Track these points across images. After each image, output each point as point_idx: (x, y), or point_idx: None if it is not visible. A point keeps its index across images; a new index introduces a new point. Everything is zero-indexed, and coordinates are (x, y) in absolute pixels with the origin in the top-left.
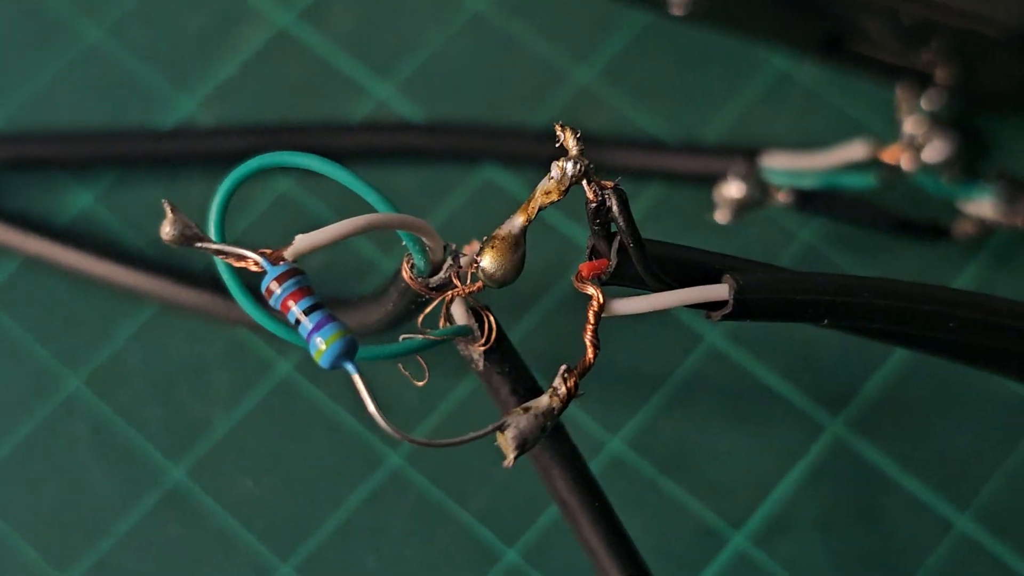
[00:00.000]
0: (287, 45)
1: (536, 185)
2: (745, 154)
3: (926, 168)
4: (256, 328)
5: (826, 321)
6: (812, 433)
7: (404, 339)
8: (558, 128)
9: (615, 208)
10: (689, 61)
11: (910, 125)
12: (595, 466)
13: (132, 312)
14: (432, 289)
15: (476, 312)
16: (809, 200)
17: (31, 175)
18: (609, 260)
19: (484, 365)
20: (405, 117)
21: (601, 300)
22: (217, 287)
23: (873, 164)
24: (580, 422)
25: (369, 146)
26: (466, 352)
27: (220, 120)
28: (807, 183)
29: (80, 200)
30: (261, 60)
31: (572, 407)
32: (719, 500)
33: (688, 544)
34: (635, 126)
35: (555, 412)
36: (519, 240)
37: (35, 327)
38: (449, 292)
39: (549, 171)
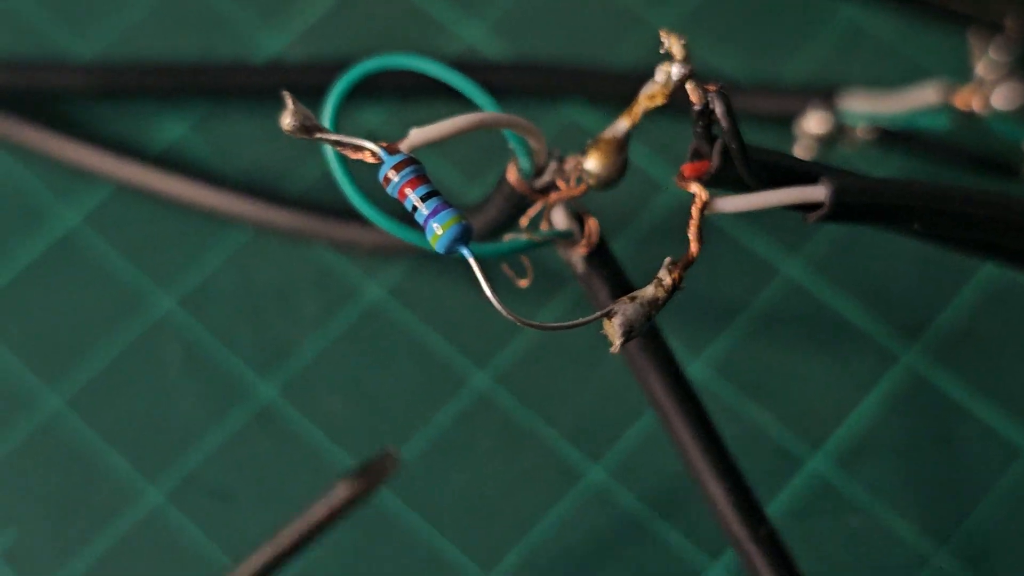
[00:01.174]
0: None
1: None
2: (822, 94)
3: (996, 112)
4: (346, 252)
5: (916, 226)
6: (887, 362)
7: (510, 238)
8: (663, 34)
9: (719, 110)
10: (764, 10)
11: (981, 70)
12: None
13: (224, 237)
14: (536, 191)
15: (578, 216)
16: (888, 136)
17: (126, 105)
18: (711, 161)
19: (584, 268)
20: (492, 58)
21: (705, 196)
22: (309, 209)
23: (946, 107)
24: None
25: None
26: (566, 255)
27: (309, 59)
28: (883, 124)
29: (173, 130)
30: (351, 1)
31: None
32: (797, 423)
33: (767, 465)
34: (713, 70)
35: (660, 302)
36: (623, 143)
37: (129, 250)
38: (553, 195)
39: (654, 76)
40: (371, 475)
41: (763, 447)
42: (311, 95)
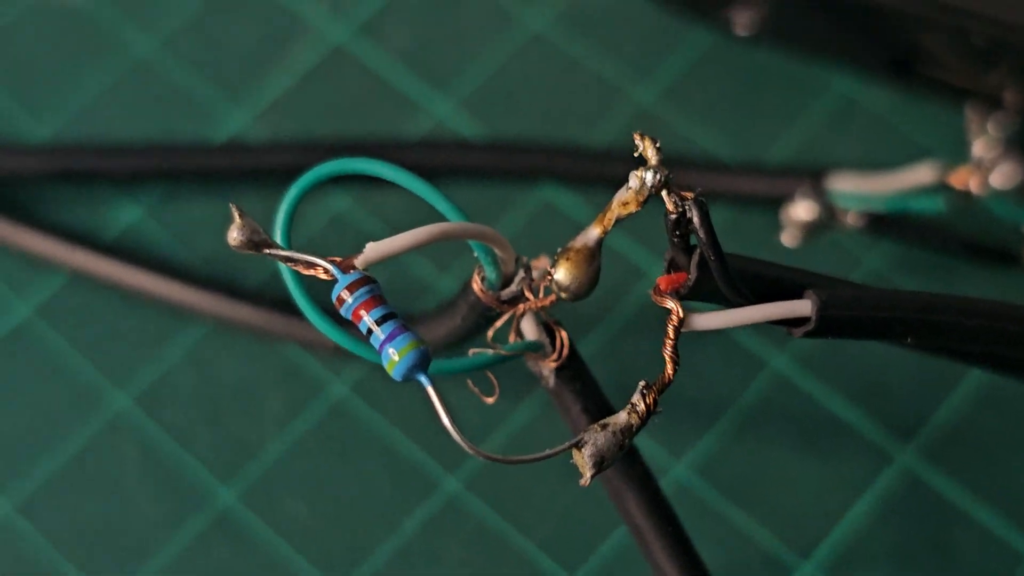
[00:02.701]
0: (343, 61)
1: (612, 197)
2: (812, 176)
3: (995, 192)
4: (310, 348)
5: (910, 340)
6: (881, 462)
7: (474, 353)
8: (637, 137)
9: (696, 219)
10: (751, 83)
11: (979, 148)
12: None
13: (183, 330)
14: (503, 302)
15: (548, 327)
16: (878, 222)
17: (79, 188)
18: (688, 273)
19: (555, 382)
20: (463, 135)
21: (681, 314)
22: (271, 305)
23: (941, 188)
24: (643, 447)
25: (427, 164)
26: (536, 368)
27: (274, 137)
28: (875, 207)
29: (129, 214)
30: (316, 76)
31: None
32: (786, 529)
33: (755, 574)
34: (696, 147)
35: (634, 429)
36: (595, 252)
37: (82, 344)
38: (521, 306)
39: (627, 182)
40: None
41: (750, 555)
42: (273, 177)
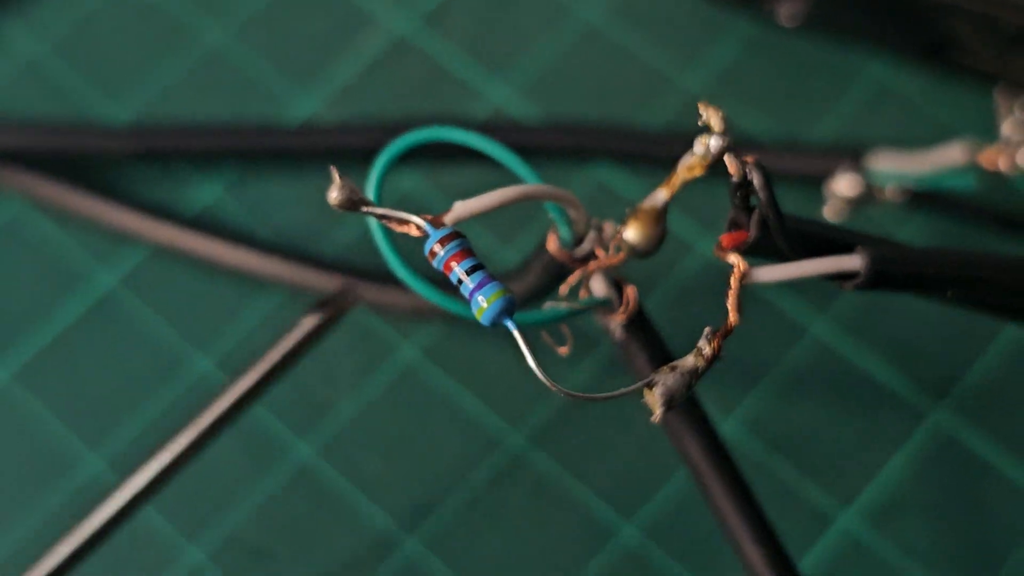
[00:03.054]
0: (407, 50)
1: (678, 162)
2: (851, 155)
3: (1022, 171)
4: (382, 313)
5: (950, 293)
6: (916, 420)
7: (550, 306)
8: (702, 106)
9: (757, 183)
10: (792, 70)
11: (1007, 129)
12: None
13: (259, 298)
14: (576, 260)
15: (616, 284)
16: (916, 196)
17: (161, 168)
18: (749, 232)
19: (623, 335)
20: (518, 119)
21: (744, 267)
22: (347, 271)
23: (972, 166)
24: None
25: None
26: (604, 322)
27: (341, 122)
28: (910, 184)
29: (208, 193)
30: (382, 65)
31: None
32: (827, 482)
33: (796, 523)
34: (741, 132)
35: (700, 371)
36: (662, 213)
37: (165, 311)
38: (592, 263)
39: (692, 147)
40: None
41: (793, 505)
42: (343, 158)
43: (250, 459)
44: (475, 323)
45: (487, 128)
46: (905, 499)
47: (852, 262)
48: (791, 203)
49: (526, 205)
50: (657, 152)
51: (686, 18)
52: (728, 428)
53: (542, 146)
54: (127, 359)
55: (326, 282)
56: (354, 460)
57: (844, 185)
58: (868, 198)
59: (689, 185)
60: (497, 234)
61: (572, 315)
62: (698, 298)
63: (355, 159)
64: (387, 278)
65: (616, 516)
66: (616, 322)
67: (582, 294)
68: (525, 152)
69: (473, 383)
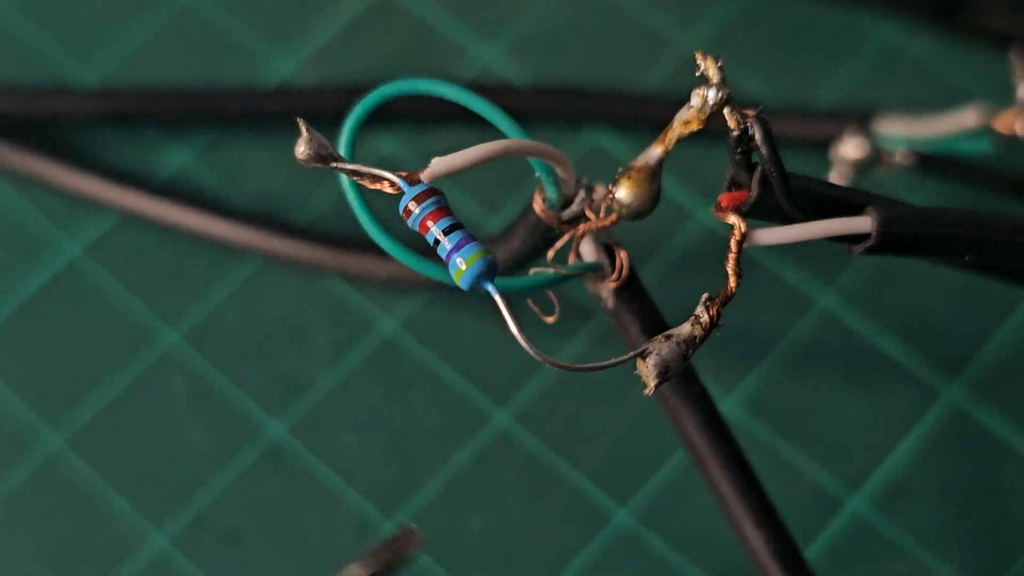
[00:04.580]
0: (390, 7)
1: (674, 116)
2: (858, 118)
3: None
4: (359, 284)
5: (968, 258)
6: (929, 398)
7: (536, 272)
8: (699, 56)
9: (758, 137)
10: (796, 31)
11: (1023, 91)
12: None
13: (232, 268)
14: (564, 223)
15: (608, 248)
16: (927, 161)
17: (129, 132)
18: (750, 191)
19: (614, 303)
20: (510, 81)
21: (743, 228)
22: (321, 239)
23: (987, 131)
24: None
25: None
26: (595, 289)
27: (320, 83)
28: (921, 148)
29: (179, 158)
30: (363, 22)
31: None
32: (835, 463)
33: (804, 507)
34: (741, 95)
35: (697, 340)
36: (656, 171)
37: (133, 282)
38: (581, 226)
39: (689, 100)
40: (389, 555)
41: (800, 488)
42: (322, 121)
43: (219, 438)
44: (457, 292)
45: (473, 89)
46: (918, 481)
47: (862, 223)
48: (796, 168)
49: (513, 171)
50: (654, 115)
51: None
52: (729, 408)
53: (533, 109)
54: (91, 332)
55: (302, 251)
56: (330, 439)
57: (851, 148)
58: (876, 162)
59: (688, 149)
60: (482, 201)
61: (560, 281)
62: (698, 268)
63: (333, 122)
64: (365, 247)
65: (609, 500)
66: (607, 289)
67: (571, 259)
68: (515, 116)
69: (456, 357)
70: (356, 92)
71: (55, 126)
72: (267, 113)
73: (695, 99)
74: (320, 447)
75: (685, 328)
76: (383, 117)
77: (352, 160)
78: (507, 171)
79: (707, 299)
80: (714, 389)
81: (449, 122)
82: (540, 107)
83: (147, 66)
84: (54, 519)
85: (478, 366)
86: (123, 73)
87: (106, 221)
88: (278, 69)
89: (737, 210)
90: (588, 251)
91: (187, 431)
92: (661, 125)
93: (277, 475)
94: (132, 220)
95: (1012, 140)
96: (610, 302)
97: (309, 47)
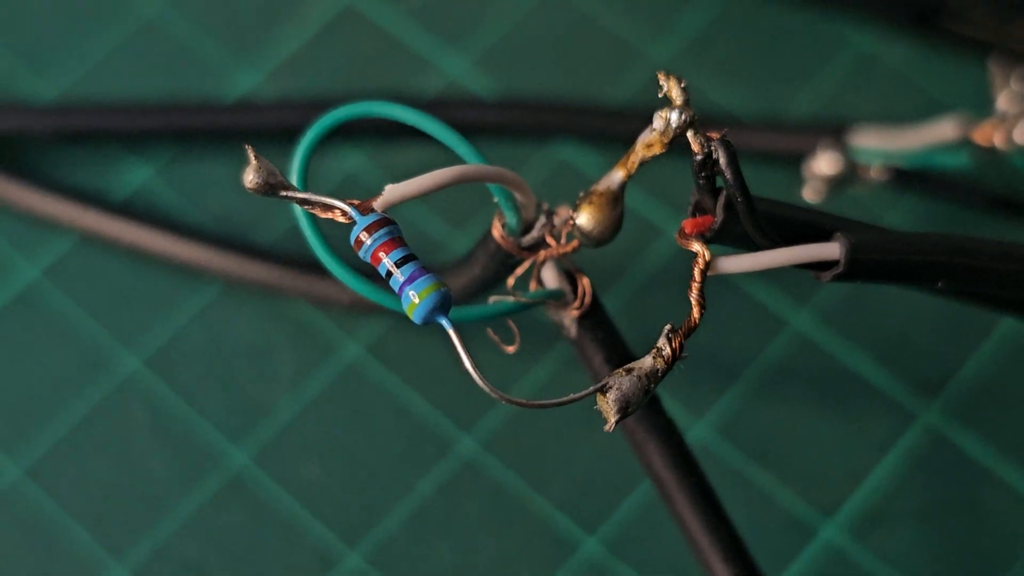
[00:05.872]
0: (354, 18)
1: (637, 139)
2: (833, 131)
3: (1019, 147)
4: (323, 307)
5: (941, 284)
6: (905, 421)
7: (494, 301)
8: (661, 76)
9: (722, 160)
10: (769, 40)
11: (1003, 102)
12: None
13: (193, 291)
14: (524, 249)
15: (569, 275)
16: (903, 176)
17: (87, 149)
18: (715, 216)
19: (577, 331)
20: (477, 94)
21: (707, 256)
22: (284, 262)
23: (965, 143)
24: (664, 406)
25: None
26: (557, 318)
27: (284, 97)
28: (898, 163)
29: (139, 175)
30: (327, 34)
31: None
32: (809, 489)
33: (777, 535)
34: (715, 105)
35: (659, 374)
36: (618, 196)
37: (92, 305)
38: (542, 252)
39: (652, 123)
40: None
41: (772, 515)
42: (284, 137)
43: (180, 467)
44: None
45: (440, 104)
46: (894, 507)
47: (830, 250)
48: (768, 184)
49: (480, 187)
50: (623, 129)
51: None
52: (700, 432)
53: (500, 123)
54: (49, 357)
55: (264, 274)
56: (292, 467)
57: (824, 164)
58: (851, 178)
59: (659, 163)
60: (448, 219)
61: (520, 310)
62: (669, 287)
63: (294, 137)
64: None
65: (577, 529)
66: (570, 317)
67: (532, 286)
68: (481, 129)
69: (421, 383)
70: (318, 107)
71: (10, 143)
72: (227, 128)
73: (657, 121)
74: (282, 476)
75: (647, 361)
76: (346, 130)
77: (305, 186)
78: (474, 187)
79: (670, 330)
80: (684, 413)
81: (414, 136)
82: (507, 121)
83: (107, 80)
84: (12, 549)
85: (444, 391)
86: (82, 88)
87: (64, 243)
88: (242, 82)
89: (702, 236)
90: (550, 277)
91: (148, 459)
92: (631, 140)
93: (238, 505)
94: (91, 241)
95: (991, 153)
96: (573, 331)
97: (273, 60)
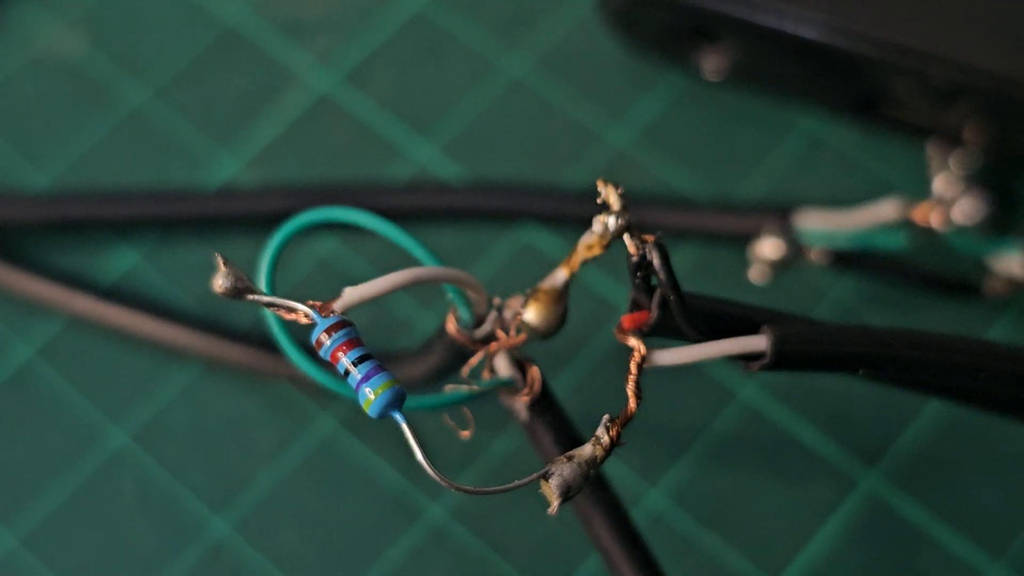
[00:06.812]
0: (329, 109)
1: (577, 241)
2: (778, 213)
3: (956, 227)
4: (299, 384)
5: (861, 372)
6: (846, 487)
7: (450, 390)
8: (600, 184)
9: (656, 261)
10: (722, 124)
11: (940, 184)
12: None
13: (177, 370)
14: (476, 341)
15: (519, 364)
16: (842, 258)
17: (78, 235)
18: (650, 312)
19: (528, 416)
20: (446, 179)
21: (643, 351)
22: (262, 344)
23: (904, 223)
24: (619, 474)
25: (410, 207)
26: (509, 403)
27: (263, 183)
28: (840, 244)
29: (126, 260)
30: (304, 124)
31: (609, 459)
32: (756, 553)
33: None
34: (670, 187)
35: (598, 460)
36: (562, 293)
37: (82, 383)
38: (493, 344)
39: (592, 226)
40: None
41: None
42: (262, 222)
43: (165, 536)
44: None
45: (410, 190)
46: (837, 569)
47: (757, 343)
48: (720, 263)
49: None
50: (582, 212)
51: (613, 72)
52: (653, 499)
53: (466, 208)
54: (41, 434)
55: (244, 356)
56: (271, 536)
57: (767, 248)
58: (793, 260)
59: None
60: (416, 298)
61: (472, 399)
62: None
63: (272, 223)
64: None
65: None
66: (520, 403)
67: (486, 374)
68: (451, 214)
69: (391, 454)
70: (295, 194)
71: (4, 232)
72: (209, 215)
73: (597, 225)
74: (261, 544)
75: (587, 449)
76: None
77: (272, 289)
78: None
79: (608, 420)
80: (639, 481)
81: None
82: (473, 206)
83: (97, 169)
84: None
85: (413, 463)
86: (74, 175)
87: (56, 324)
88: (223, 169)
89: (639, 331)
90: (503, 366)
91: (135, 528)
92: (588, 222)
93: (220, 572)
94: (81, 323)
95: (929, 233)
96: (523, 415)
97: (252, 148)
